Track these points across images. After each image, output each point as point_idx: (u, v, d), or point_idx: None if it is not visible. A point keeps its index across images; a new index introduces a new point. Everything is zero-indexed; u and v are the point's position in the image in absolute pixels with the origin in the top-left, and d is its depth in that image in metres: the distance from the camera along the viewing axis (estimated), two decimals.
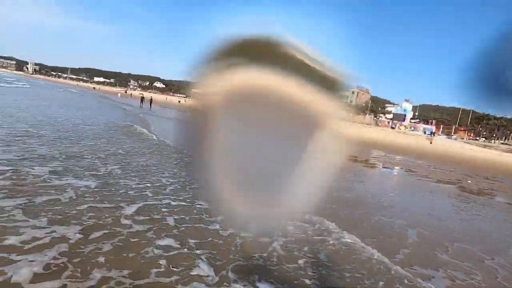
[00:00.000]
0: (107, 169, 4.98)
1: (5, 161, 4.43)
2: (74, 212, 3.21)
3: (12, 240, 2.51)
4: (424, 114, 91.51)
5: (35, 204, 3.24)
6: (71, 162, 5.03)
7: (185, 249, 2.80)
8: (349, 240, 3.52)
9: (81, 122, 10.51)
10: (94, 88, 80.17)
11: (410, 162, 14.37)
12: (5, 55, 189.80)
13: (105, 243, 2.69)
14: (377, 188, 7.81)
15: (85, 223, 3.00)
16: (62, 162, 4.93)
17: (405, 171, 11.62)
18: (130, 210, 3.51)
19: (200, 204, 3.95)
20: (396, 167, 12.62)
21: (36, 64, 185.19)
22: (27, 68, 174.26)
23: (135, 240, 2.83)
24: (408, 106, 76.99)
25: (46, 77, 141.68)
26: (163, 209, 3.65)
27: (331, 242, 3.43)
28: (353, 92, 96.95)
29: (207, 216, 3.61)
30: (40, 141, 6.23)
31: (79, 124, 9.79)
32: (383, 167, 11.87)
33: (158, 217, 3.43)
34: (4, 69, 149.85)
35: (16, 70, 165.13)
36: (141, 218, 3.33)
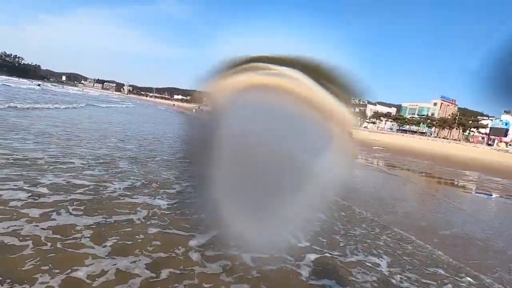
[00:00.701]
0: (181, 186, 4.75)
1: (90, 176, 4.56)
2: (142, 238, 2.89)
3: (82, 272, 2.23)
4: None
5: (106, 224, 3.03)
6: (147, 178, 4.97)
7: None
8: None
9: (162, 135, 11.19)
10: (173, 104, 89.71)
11: None
12: (108, 79, 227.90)
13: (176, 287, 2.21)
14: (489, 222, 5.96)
15: (153, 255, 2.61)
16: (140, 178, 4.90)
17: None
18: (202, 239, 3.04)
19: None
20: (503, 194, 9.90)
21: (129, 85, 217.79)
22: (124, 89, 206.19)
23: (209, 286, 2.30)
24: (510, 119, 63.99)
25: (138, 96, 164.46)
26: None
27: None
28: (435, 104, 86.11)
29: (291, 258, 2.90)
30: (124, 155, 6.52)
31: (159, 138, 10.38)
32: (486, 194, 9.42)
33: (234, 253, 2.86)
34: (107, 91, 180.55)
35: (115, 91, 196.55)
36: (214, 253, 2.81)
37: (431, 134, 73.19)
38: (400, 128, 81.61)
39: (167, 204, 3.89)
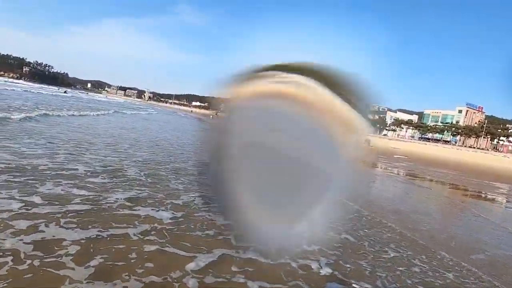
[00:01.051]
0: (189, 197, 4.37)
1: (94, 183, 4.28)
2: (134, 257, 2.51)
3: None
4: None
5: (97, 239, 2.68)
6: (154, 187, 4.65)
7: None
8: None
9: (176, 141, 11.00)
10: (191, 111, 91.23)
11: None
12: (130, 86, 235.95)
13: None
14: None
15: (143, 279, 2.22)
16: (147, 187, 4.58)
17: None
18: (203, 261, 2.63)
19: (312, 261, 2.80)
20: None
21: (150, 92, 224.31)
22: (144, 95, 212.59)
23: None
24: None
25: (157, 103, 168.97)
26: (245, 268, 2.64)
27: None
28: (460, 111, 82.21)
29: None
30: (134, 162, 6.27)
31: (173, 144, 10.17)
32: None
33: (240, 280, 2.42)
34: (129, 97, 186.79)
35: (137, 97, 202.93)
36: (214, 279, 2.38)
37: (455, 143, 69.72)
38: (422, 136, 78.49)
39: (171, 217, 3.51)
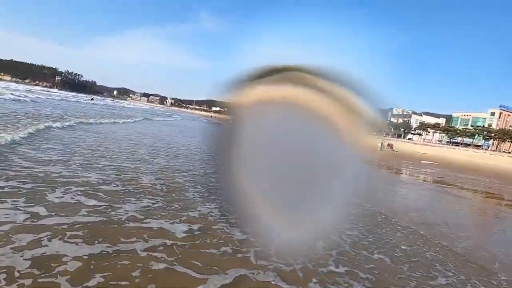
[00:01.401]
0: (207, 208, 4.06)
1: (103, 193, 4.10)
2: (137, 277, 2.23)
3: None
4: None
5: (101, 255, 2.43)
6: (169, 197, 4.41)
7: None
8: None
9: (196, 146, 10.88)
10: (211, 116, 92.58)
11: None
12: (152, 93, 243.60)
13: None
14: None
15: None
16: (162, 197, 4.34)
17: None
18: (215, 284, 2.30)
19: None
20: None
21: (172, 98, 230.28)
22: (166, 102, 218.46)
23: None
24: None
25: (179, 108, 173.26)
26: None
27: None
28: (492, 114, 77.12)
29: None
30: (150, 169, 6.10)
31: (192, 150, 10.04)
32: None
33: None
34: (151, 103, 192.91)
35: (159, 103, 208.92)
36: None
37: (488, 147, 65.43)
38: (451, 140, 74.47)
39: (185, 231, 3.22)
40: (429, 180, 12.41)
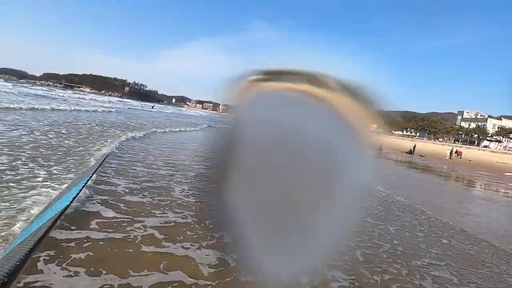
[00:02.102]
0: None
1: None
2: None
3: None
4: None
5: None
6: (202, 212, 3.81)
7: None
8: None
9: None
10: None
11: None
12: (206, 100, 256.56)
13: None
14: None
15: None
16: (192, 210, 3.77)
17: None
18: None
19: None
20: None
21: (223, 105, 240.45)
22: (219, 108, 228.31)
23: None
24: None
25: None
26: None
27: None
28: None
29: None
30: (189, 177, 5.66)
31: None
32: None
33: None
34: (205, 110, 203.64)
35: (212, 110, 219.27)
36: None
37: None
38: None
39: (214, 262, 2.51)
40: None
